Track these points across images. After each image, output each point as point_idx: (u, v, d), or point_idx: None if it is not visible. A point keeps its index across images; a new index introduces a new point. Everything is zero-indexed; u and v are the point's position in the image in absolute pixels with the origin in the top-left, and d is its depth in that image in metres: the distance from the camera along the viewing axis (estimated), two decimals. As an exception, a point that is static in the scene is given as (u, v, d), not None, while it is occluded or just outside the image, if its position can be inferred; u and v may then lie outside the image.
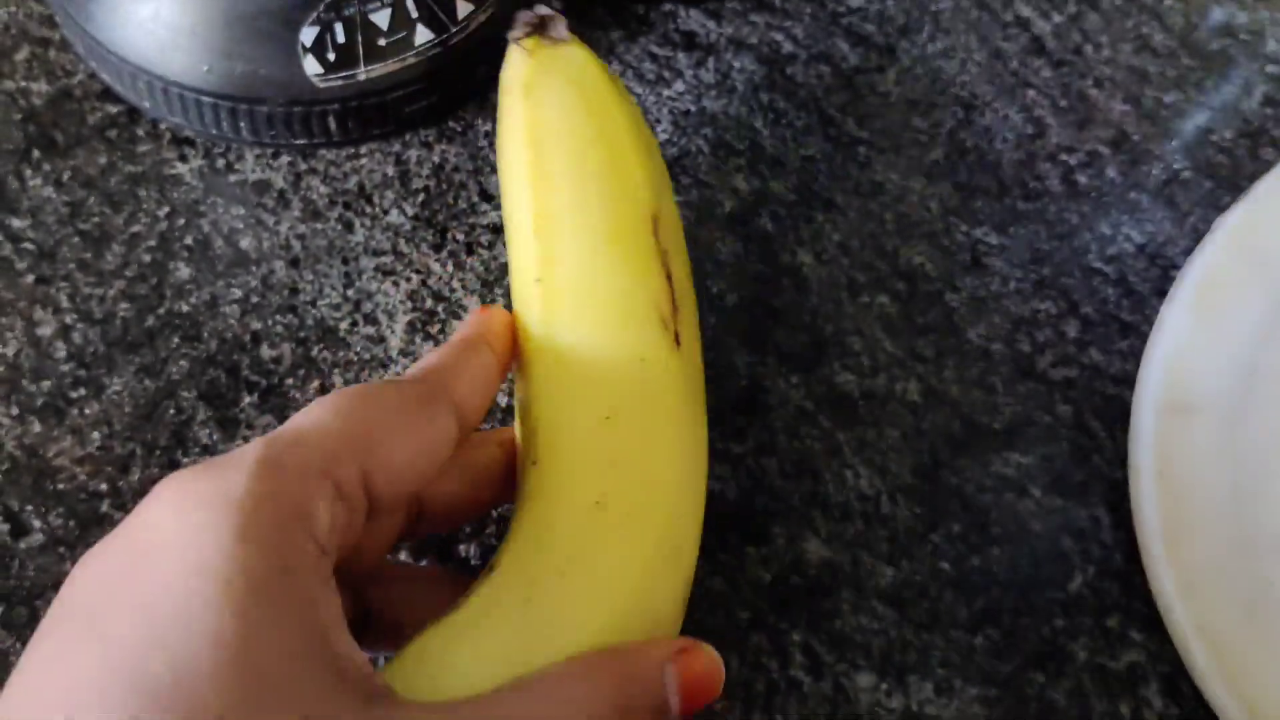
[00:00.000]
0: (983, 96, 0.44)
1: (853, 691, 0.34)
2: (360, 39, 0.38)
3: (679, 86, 0.43)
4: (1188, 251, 0.41)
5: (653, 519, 0.30)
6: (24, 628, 0.33)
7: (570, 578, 0.28)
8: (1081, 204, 0.42)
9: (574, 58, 0.34)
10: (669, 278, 0.32)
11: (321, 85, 0.38)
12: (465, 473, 0.31)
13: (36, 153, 0.40)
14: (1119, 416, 0.38)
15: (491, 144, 0.41)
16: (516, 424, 0.32)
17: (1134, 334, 0.40)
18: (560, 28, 0.34)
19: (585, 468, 0.30)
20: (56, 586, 0.34)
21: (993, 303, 0.40)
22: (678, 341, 0.31)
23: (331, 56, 0.37)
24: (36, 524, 0.34)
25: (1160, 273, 0.41)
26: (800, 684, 0.34)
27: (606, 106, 0.33)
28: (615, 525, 0.29)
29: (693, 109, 0.43)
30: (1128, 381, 0.39)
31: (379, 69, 0.38)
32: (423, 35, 0.38)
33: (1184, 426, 0.37)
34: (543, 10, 0.34)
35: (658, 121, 0.42)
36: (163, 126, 0.41)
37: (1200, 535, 0.36)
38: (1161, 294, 0.40)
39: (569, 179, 0.32)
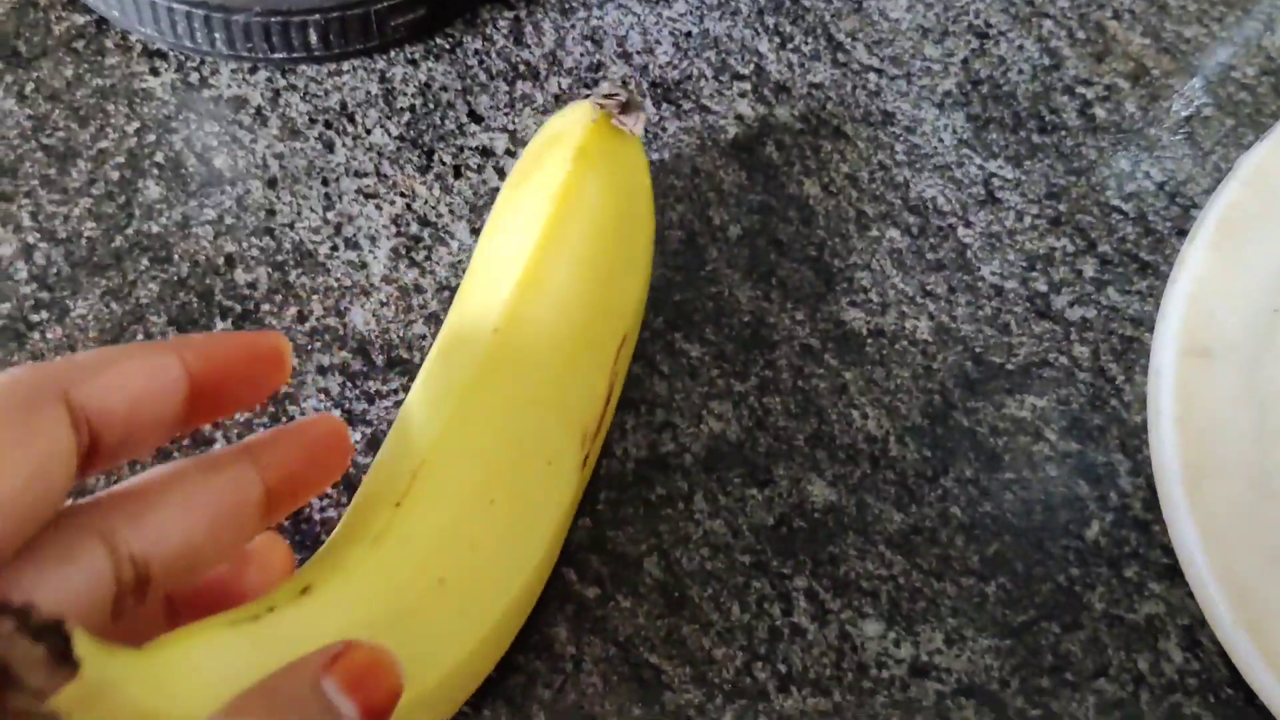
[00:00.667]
0: (997, 25, 0.42)
1: (859, 640, 0.33)
2: (344, -54, 0.35)
3: (680, 7, 0.41)
4: (1209, 190, 0.39)
5: (485, 617, 0.28)
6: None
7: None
8: (1099, 139, 0.40)
9: (633, 156, 0.33)
10: (606, 402, 0.31)
11: (302, -6, 0.36)
12: (203, 506, 0.25)
13: (-3, 62, 0.37)
14: (1137, 359, 0.37)
15: (481, 63, 0.39)
16: (389, 448, 0.29)
17: (1153, 274, 0.38)
18: (638, 122, 0.33)
19: (447, 540, 0.28)
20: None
21: (1007, 239, 0.38)
22: (584, 464, 0.31)
23: (313, -38, 0.35)
24: (-6, 453, 0.32)
25: (1180, 211, 0.39)
26: (804, 631, 0.33)
27: (637, 219, 0.33)
28: (447, 608, 0.27)
29: (694, 30, 0.40)
30: (1146, 323, 0.37)
31: (364, -22, 0.36)
32: (411, -57, 0.36)
33: (1205, 369, 0.35)
34: (636, 95, 0.34)
35: (658, 43, 0.40)
36: (133, 38, 0.38)
37: (1222, 481, 0.34)
38: (1182, 233, 0.39)
39: (573, 258, 0.31)
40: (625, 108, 0.32)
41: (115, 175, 0.36)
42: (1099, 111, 0.40)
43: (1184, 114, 0.41)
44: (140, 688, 0.22)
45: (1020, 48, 0.41)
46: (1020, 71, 0.41)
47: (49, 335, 0.34)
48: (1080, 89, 0.41)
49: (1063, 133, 0.40)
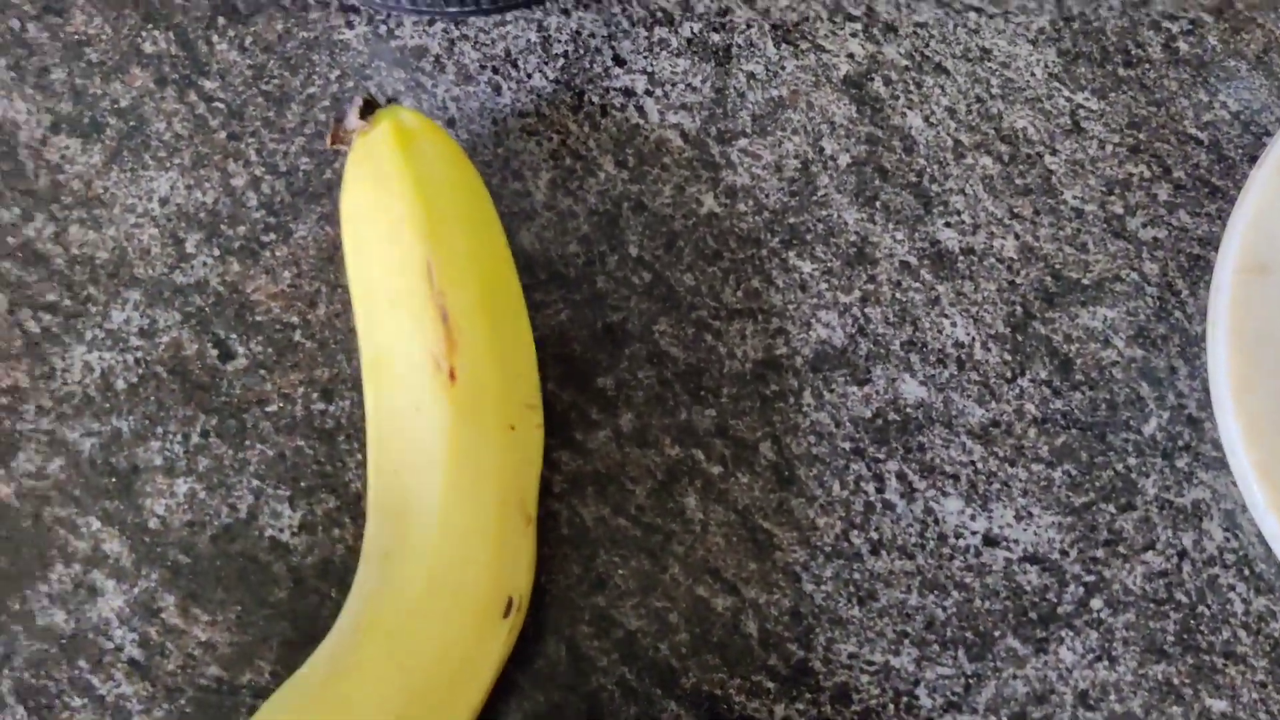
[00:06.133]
0: (1093, -36, 0.46)
1: (940, 514, 0.39)
2: (507, -86, 0.41)
3: (801, -45, 0.46)
4: (1282, 118, 0.43)
5: (423, 563, 0.34)
6: (234, 437, 0.39)
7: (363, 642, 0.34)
8: (1181, 71, 0.44)
9: (371, 143, 0.38)
10: (444, 317, 0.35)
11: (473, -41, 0.42)
12: None
13: (222, 19, 0.44)
14: (1202, 275, 0.41)
15: (624, 11, 0.45)
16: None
17: (1222, 198, 0.42)
18: (352, 118, 0.38)
19: (381, 519, 0.35)
20: (259, 403, 0.40)
21: (1089, 165, 0.43)
22: (453, 376, 0.35)
23: (482, -68, 0.41)
24: (240, 350, 0.40)
25: (1253, 140, 0.43)
26: (894, 505, 0.39)
27: (388, 181, 0.37)
28: (394, 575, 0.34)
29: (813, -22, 0.45)
30: (1213, 243, 0.42)
31: (525, -57, 0.42)
32: (564, -89, 0.42)
33: (1260, 285, 0.40)
34: (337, 118, 0.38)
35: (780, -11, 0.45)
36: (329, -7, 0.45)
37: (1268, 385, 0.39)
38: (1253, 159, 0.43)
39: (353, 264, 0.37)
40: (341, 124, 0.38)
41: (323, 116, 0.43)
42: (1182, 45, 0.44)
43: (1263, 46, 0.45)
44: None
45: (1113, -15, 0.45)
46: (1110, 8, 0.45)
47: (277, 253, 0.41)
48: (1166, 24, 0.45)
49: (1146, 66, 0.44)
